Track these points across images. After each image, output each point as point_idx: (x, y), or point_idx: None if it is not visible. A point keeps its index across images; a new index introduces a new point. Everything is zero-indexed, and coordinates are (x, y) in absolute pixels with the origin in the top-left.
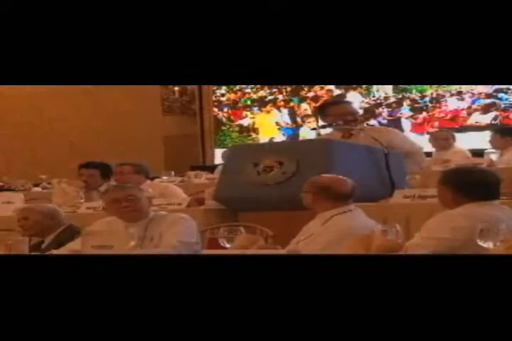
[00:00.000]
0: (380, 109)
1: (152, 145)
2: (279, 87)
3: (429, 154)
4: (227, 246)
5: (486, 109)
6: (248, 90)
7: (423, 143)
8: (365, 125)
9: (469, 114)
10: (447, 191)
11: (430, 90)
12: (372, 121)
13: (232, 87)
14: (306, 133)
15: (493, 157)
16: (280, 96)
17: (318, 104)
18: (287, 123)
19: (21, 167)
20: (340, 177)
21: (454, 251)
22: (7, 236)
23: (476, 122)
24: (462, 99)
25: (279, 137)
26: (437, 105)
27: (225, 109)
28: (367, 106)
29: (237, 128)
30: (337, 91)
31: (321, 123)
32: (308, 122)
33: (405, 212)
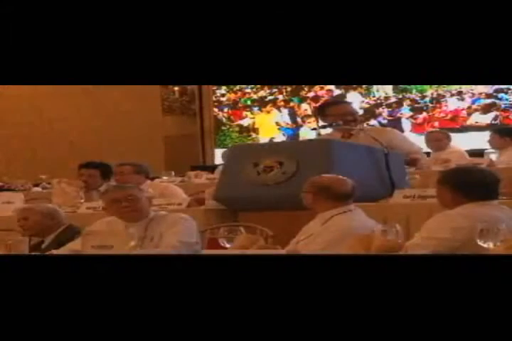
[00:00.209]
0: (380, 109)
1: (152, 146)
2: (279, 87)
3: (428, 154)
4: (227, 246)
5: (486, 109)
6: (248, 90)
7: (423, 143)
8: (365, 125)
9: (469, 114)
10: (446, 191)
11: (430, 90)
12: (373, 121)
13: (232, 87)
14: (306, 133)
15: (493, 157)
16: (280, 97)
17: (318, 104)
18: (287, 124)
19: (21, 167)
20: (340, 177)
21: (453, 251)
22: (7, 236)
23: (476, 122)
24: (462, 99)
25: (279, 137)
26: (437, 105)
27: (225, 109)
28: (367, 106)
29: (237, 128)
30: (337, 92)
31: (321, 123)
32: (309, 122)
33: (405, 212)
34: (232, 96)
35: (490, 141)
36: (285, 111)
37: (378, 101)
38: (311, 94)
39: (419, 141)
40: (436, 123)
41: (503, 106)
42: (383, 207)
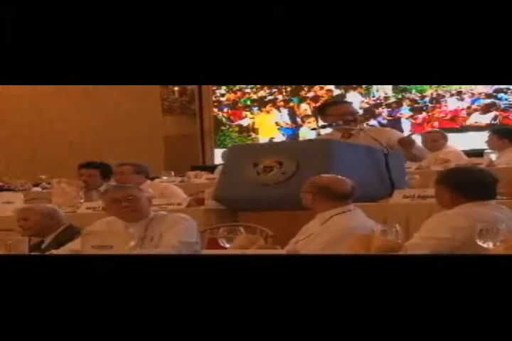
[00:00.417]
0: (380, 109)
1: (152, 146)
2: (279, 87)
3: None
4: (227, 246)
5: (485, 109)
6: (248, 90)
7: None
8: (364, 125)
9: (469, 114)
10: (445, 191)
11: (430, 90)
12: (372, 121)
13: (231, 87)
14: (306, 133)
15: (493, 157)
16: (280, 97)
17: (318, 104)
18: (287, 124)
19: (21, 167)
20: (340, 177)
21: (453, 251)
22: (7, 236)
23: (476, 122)
24: (462, 99)
25: (279, 137)
26: (437, 105)
27: (225, 109)
28: (367, 106)
29: (236, 129)
30: (337, 92)
31: (320, 123)
32: (308, 122)
33: (405, 212)
34: (232, 96)
35: (488, 142)
36: (285, 111)
37: (378, 101)
38: (310, 94)
39: (418, 141)
40: (436, 123)
41: (502, 106)
42: (383, 207)
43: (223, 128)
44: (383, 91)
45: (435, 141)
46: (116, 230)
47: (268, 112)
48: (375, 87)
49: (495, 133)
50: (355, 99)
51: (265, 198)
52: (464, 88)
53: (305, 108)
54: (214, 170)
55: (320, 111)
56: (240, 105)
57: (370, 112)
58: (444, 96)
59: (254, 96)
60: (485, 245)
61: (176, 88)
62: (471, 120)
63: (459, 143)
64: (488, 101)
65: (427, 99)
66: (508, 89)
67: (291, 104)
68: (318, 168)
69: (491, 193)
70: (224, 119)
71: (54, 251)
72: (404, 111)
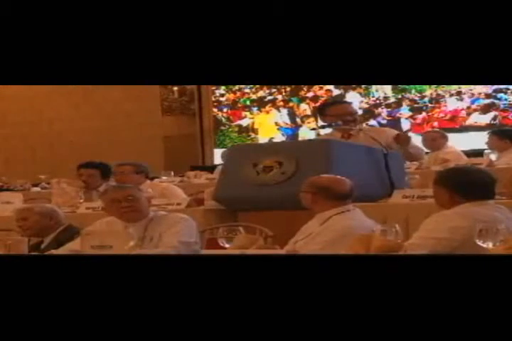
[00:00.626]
0: (380, 109)
1: (152, 146)
2: (279, 87)
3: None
4: (227, 246)
5: (485, 109)
6: (247, 90)
7: (421, 143)
8: (364, 125)
9: (468, 114)
10: (443, 191)
11: (429, 90)
12: (372, 122)
13: (231, 87)
14: (306, 133)
15: (493, 157)
16: (279, 97)
17: (317, 104)
18: (286, 124)
19: (21, 167)
20: (339, 177)
21: (452, 251)
22: (6, 236)
23: (476, 122)
24: (461, 99)
25: (279, 137)
26: (437, 105)
27: (225, 109)
28: (366, 106)
29: (236, 129)
30: (336, 92)
31: (320, 123)
32: (308, 122)
33: (405, 212)
34: (232, 96)
35: (489, 143)
36: (284, 111)
37: (377, 102)
38: (310, 94)
39: (418, 141)
40: (436, 124)
41: (502, 106)
42: (383, 207)
43: (223, 128)
44: (383, 91)
45: (434, 140)
46: (116, 230)
47: (267, 112)
48: (374, 87)
49: (496, 134)
50: (355, 99)
51: (265, 198)
52: (463, 88)
53: (304, 108)
54: (214, 170)
55: (320, 111)
56: (239, 105)
57: (369, 112)
58: (443, 97)
59: (254, 97)
60: (484, 245)
61: (176, 88)
62: (471, 120)
63: (458, 143)
64: (487, 101)
65: (426, 99)
66: (508, 89)
67: (290, 104)
68: (318, 168)
69: (490, 193)
70: (223, 119)
71: (53, 251)
72: (404, 112)
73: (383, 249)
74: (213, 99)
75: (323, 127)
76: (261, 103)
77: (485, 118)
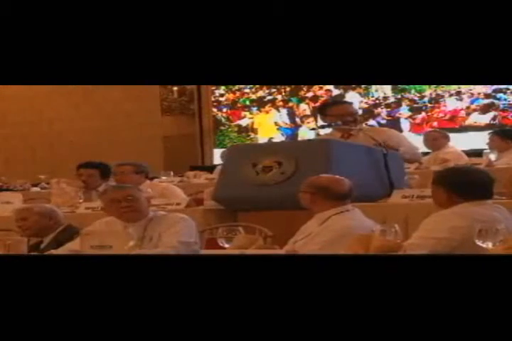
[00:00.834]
0: (379, 109)
1: (151, 146)
2: (278, 87)
3: (426, 154)
4: (226, 246)
5: (484, 109)
6: (247, 90)
7: (421, 143)
8: (363, 125)
9: (468, 114)
10: (441, 191)
11: (429, 90)
12: (371, 121)
13: (231, 87)
14: (305, 133)
15: (492, 157)
16: (279, 97)
17: (317, 104)
18: (286, 124)
19: (20, 167)
20: (338, 177)
21: (452, 251)
22: (6, 236)
23: (475, 122)
24: (461, 99)
25: (278, 137)
26: (436, 105)
27: (224, 109)
28: (366, 106)
29: (236, 129)
30: (336, 92)
31: (320, 123)
32: (307, 122)
33: (404, 212)
34: (231, 96)
35: (490, 143)
36: (284, 111)
37: (377, 102)
38: (309, 94)
39: (417, 141)
40: (435, 124)
41: (501, 106)
42: (382, 207)
43: (222, 128)
44: (382, 91)
45: (435, 139)
46: (116, 230)
47: (267, 112)
48: (374, 87)
49: (497, 134)
50: (354, 99)
51: (264, 198)
52: (463, 88)
53: (304, 108)
54: (213, 170)
55: (320, 111)
56: (239, 105)
57: (369, 112)
58: (443, 97)
59: (254, 97)
60: (484, 245)
61: (175, 88)
62: (470, 120)
63: (458, 143)
64: (487, 101)
65: (426, 99)
66: (507, 89)
67: (290, 104)
68: (318, 168)
69: (488, 193)
70: (223, 119)
71: (53, 251)
72: (404, 111)
73: (382, 249)
74: (213, 99)
75: (322, 127)
76: (260, 103)
77: (484, 119)
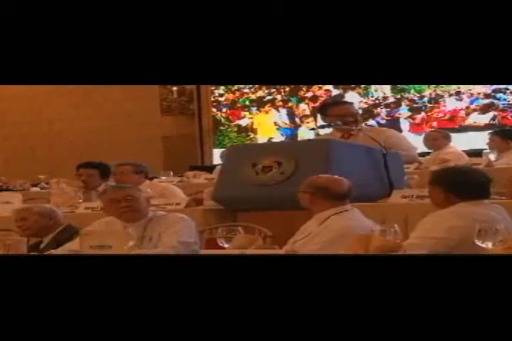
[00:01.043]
0: (379, 109)
1: (151, 146)
2: (278, 87)
3: (427, 154)
4: (226, 246)
5: (484, 109)
6: (246, 90)
7: (421, 143)
8: (363, 125)
9: (468, 114)
10: (439, 191)
11: (428, 90)
12: (371, 121)
13: (230, 87)
14: (305, 133)
15: (492, 157)
16: (279, 97)
17: (316, 104)
18: (286, 124)
19: (20, 167)
20: (337, 177)
21: (450, 251)
22: (5, 236)
23: (475, 122)
24: (460, 99)
25: (278, 137)
26: (436, 105)
27: (224, 109)
28: (365, 106)
29: (235, 129)
30: (335, 92)
31: (319, 123)
32: (307, 122)
33: (404, 212)
34: (231, 96)
35: (490, 143)
36: (283, 111)
37: (377, 102)
38: (309, 94)
39: (417, 141)
40: (435, 124)
41: (501, 106)
42: (382, 207)
43: (222, 128)
44: (382, 91)
45: (435, 139)
46: (115, 230)
47: (267, 112)
48: (373, 87)
49: (498, 135)
50: (354, 99)
51: (264, 198)
52: (462, 88)
53: (304, 108)
54: (213, 170)
55: (321, 112)
56: (238, 105)
57: (368, 112)
58: (442, 97)
59: (253, 97)
60: (484, 245)
61: (175, 88)
62: (470, 120)
63: (457, 143)
64: (486, 101)
65: (425, 99)
66: (507, 89)
67: (289, 104)
68: (317, 168)
69: (485, 193)
70: (223, 119)
71: (53, 251)
72: (403, 111)
73: (382, 249)
74: (212, 99)
75: (322, 127)
76: (260, 103)
77: (484, 119)
